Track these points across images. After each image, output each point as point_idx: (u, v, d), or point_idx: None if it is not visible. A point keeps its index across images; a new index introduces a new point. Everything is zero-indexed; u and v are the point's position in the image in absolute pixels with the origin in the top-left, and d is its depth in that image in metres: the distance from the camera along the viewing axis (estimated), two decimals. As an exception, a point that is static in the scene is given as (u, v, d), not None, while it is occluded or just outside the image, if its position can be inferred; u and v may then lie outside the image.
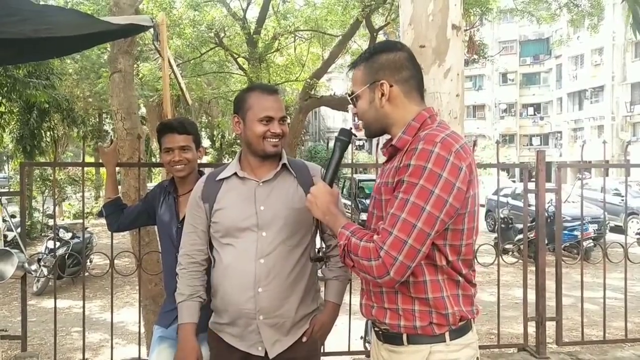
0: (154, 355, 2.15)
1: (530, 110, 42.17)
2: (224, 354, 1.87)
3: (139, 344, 2.91)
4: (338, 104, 13.79)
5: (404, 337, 1.43)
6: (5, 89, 11.37)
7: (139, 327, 3.02)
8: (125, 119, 3.61)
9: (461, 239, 1.40)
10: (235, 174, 1.87)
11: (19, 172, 2.65)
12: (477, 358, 1.50)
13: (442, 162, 1.30)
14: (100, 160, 2.66)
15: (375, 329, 1.55)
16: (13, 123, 13.51)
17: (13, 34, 2.04)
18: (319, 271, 2.03)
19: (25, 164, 3.11)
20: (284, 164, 1.88)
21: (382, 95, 1.46)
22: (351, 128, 1.64)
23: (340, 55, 14.25)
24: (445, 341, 1.41)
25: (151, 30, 2.54)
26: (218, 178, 1.89)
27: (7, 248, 2.06)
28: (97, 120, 18.64)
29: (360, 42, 15.24)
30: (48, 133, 14.44)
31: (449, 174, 1.30)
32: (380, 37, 14.20)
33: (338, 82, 30.10)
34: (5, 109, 12.83)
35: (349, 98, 1.57)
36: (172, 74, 3.15)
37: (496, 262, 3.05)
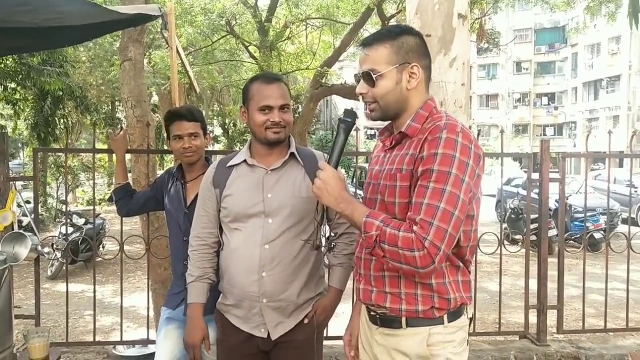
0: (162, 335, 2.22)
1: (545, 99, 41.68)
2: (230, 334, 1.93)
3: (147, 326, 2.99)
4: (349, 92, 13.74)
5: (403, 320, 1.46)
6: (20, 76, 11.54)
7: (147, 309, 3.11)
8: (136, 106, 3.67)
9: (472, 225, 1.45)
10: (245, 161, 1.92)
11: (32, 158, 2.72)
12: (467, 340, 1.55)
13: (467, 150, 1.34)
14: (111, 147, 2.72)
15: (372, 313, 1.56)
16: (28, 110, 13.70)
17: (25, 24, 2.09)
18: (324, 257, 2.08)
19: (37, 149, 3.18)
20: (292, 153, 1.92)
21: (411, 77, 1.45)
22: (352, 109, 1.59)
23: (352, 44, 14.17)
24: (443, 323, 1.45)
25: (159, 19, 2.58)
26: (228, 164, 1.95)
27: (21, 231, 2.14)
28: (110, 107, 18.80)
29: (371, 30, 15.14)
30: (62, 120, 14.60)
31: (473, 162, 1.35)
32: (392, 25, 14.07)
33: (349, 71, 29.95)
34: (20, 96, 13.02)
35: (365, 75, 1.48)
36: (180, 63, 3.19)
37: (503, 251, 3.08)
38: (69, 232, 7.94)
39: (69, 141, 15.79)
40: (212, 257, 2.00)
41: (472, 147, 1.35)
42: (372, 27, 14.77)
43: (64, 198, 12.56)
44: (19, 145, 21.42)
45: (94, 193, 3.08)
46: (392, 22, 13.13)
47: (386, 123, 1.61)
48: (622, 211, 11.85)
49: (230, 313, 1.93)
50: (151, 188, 2.61)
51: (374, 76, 1.46)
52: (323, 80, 12.41)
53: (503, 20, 27.08)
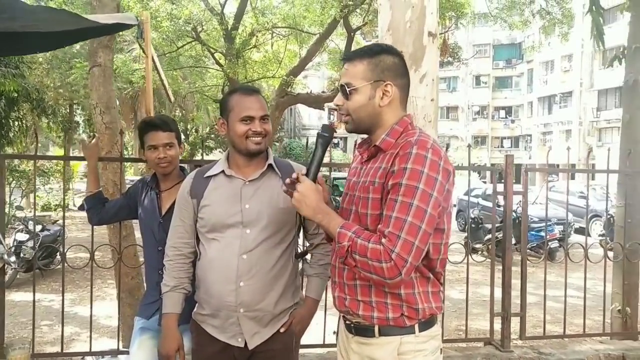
0: (136, 346, 2.19)
1: (502, 113, 43.14)
2: (206, 344, 1.94)
3: (118, 336, 2.94)
4: (314, 101, 13.88)
5: (376, 329, 1.51)
6: (-27, 76, 11.06)
7: (119, 319, 3.05)
8: (105, 112, 3.62)
9: (442, 238, 1.51)
10: (223, 172, 1.93)
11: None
12: (441, 349, 1.60)
13: (436, 166, 1.40)
14: (82, 154, 2.68)
15: (347, 322, 1.62)
16: (-20, 112, 13.12)
17: (1, 29, 2.06)
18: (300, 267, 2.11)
19: (4, 155, 3.09)
20: (270, 165, 1.94)
21: (384, 95, 1.51)
22: (331, 124, 1.65)
23: (317, 54, 14.32)
24: (414, 332, 1.50)
25: (135, 28, 2.57)
26: (206, 175, 1.96)
27: (-15, 240, 2.08)
28: (68, 111, 18.24)
29: (337, 41, 15.33)
30: (16, 123, 14.06)
31: (442, 177, 1.41)
32: (358, 37, 14.34)
33: (314, 80, 30.15)
34: (-28, 97, 12.45)
35: (342, 88, 1.55)
36: (155, 70, 3.17)
37: (465, 260, 3.19)
38: (24, 239, 7.66)
39: (24, 144, 15.25)
40: (188, 267, 2.00)
41: (441, 163, 1.41)
42: (337, 38, 14.97)
43: (17, 204, 12.10)
44: (-32, 147, 20.48)
45: (64, 200, 3.00)
46: (358, 34, 13.38)
47: (364, 136, 1.67)
48: (575, 222, 12.37)
49: (206, 323, 1.93)
50: (124, 197, 2.58)
51: (348, 90, 1.53)
52: (288, 89, 12.47)
53: (463, 36, 27.94)
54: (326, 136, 1.59)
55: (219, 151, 23.34)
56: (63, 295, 2.95)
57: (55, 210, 15.33)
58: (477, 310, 6.18)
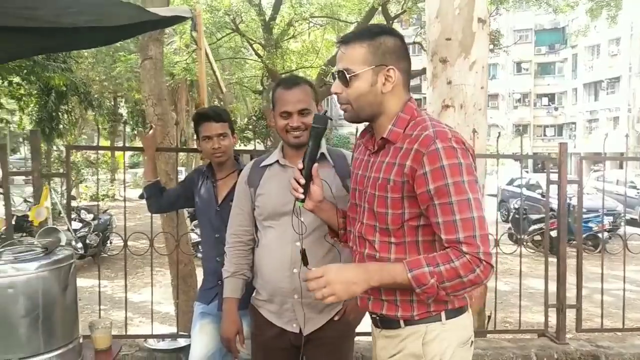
0: (197, 329, 2.28)
1: (545, 100, 41.77)
2: (263, 329, 1.99)
3: (178, 320, 3.05)
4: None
5: (401, 321, 1.45)
6: (25, 71, 11.52)
7: (177, 304, 3.17)
8: (156, 104, 3.72)
9: None
10: (277, 161, 1.98)
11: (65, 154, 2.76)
12: (472, 341, 1.53)
13: (465, 153, 1.34)
14: (141, 145, 2.78)
15: (373, 315, 1.55)
16: (32, 105, 13.69)
17: (66, 24, 2.14)
18: None
19: (70, 146, 3.25)
20: (322, 154, 1.95)
21: (387, 80, 1.40)
22: (325, 113, 1.54)
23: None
24: (441, 320, 1.43)
25: (189, 20, 2.63)
26: (262, 164, 2.02)
27: (55, 226, 2.19)
28: (112, 103, 18.81)
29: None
30: (65, 116, 14.61)
31: (471, 159, 1.37)
32: (396, 25, 14.16)
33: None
34: (25, 91, 13.00)
35: (340, 74, 1.42)
36: (208, 62, 3.24)
37: (509, 250, 3.14)
38: (77, 227, 7.98)
39: (73, 136, 15.84)
40: (248, 254, 2.05)
41: (466, 147, 1.36)
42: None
43: (70, 193, 12.61)
44: (20, 140, 21.40)
45: (124, 189, 3.13)
46: (397, 21, 13.21)
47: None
48: (626, 212, 11.91)
49: (263, 308, 1.99)
50: (181, 186, 2.66)
51: (347, 76, 1.39)
52: (326, 79, 12.47)
53: (504, 21, 27.15)
54: (318, 127, 1.50)
55: (257, 142, 23.61)
56: (126, 281, 3.11)
57: (103, 199, 15.88)
58: (524, 302, 6.09)
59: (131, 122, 18.37)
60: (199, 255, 4.75)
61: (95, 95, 15.26)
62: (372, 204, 1.43)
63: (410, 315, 1.42)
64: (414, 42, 14.51)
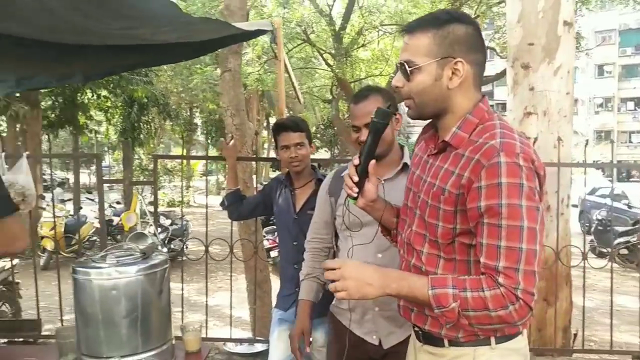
0: (275, 336, 2.32)
1: (630, 104, 39.04)
2: (342, 337, 1.96)
3: (254, 326, 3.13)
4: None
5: (445, 339, 1.31)
6: (112, 85, 12.38)
7: (254, 310, 3.25)
8: (235, 115, 3.86)
9: None
10: None
11: (152, 162, 2.92)
12: None
13: (532, 174, 1.18)
14: (222, 154, 2.89)
15: (415, 328, 1.43)
16: (117, 116, 14.65)
17: (159, 41, 2.28)
18: None
19: (156, 156, 3.45)
20: (406, 163, 1.94)
21: (454, 74, 1.24)
22: (388, 107, 1.41)
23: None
24: (490, 344, 1.28)
25: (269, 33, 2.71)
26: (342, 174, 2.01)
27: (144, 232, 2.32)
28: (188, 113, 19.70)
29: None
30: (145, 126, 15.51)
31: (537, 184, 1.19)
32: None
33: (420, 76, 29.42)
34: (111, 103, 13.95)
35: (401, 67, 1.27)
36: (286, 74, 3.33)
37: (592, 265, 2.94)
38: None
39: (152, 145, 16.77)
40: (323, 259, 2.07)
41: (535, 166, 1.18)
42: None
43: (150, 200, 13.37)
44: (105, 149, 22.91)
45: (207, 194, 3.26)
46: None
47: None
48: None
49: (344, 316, 1.97)
50: (260, 194, 2.73)
51: (409, 69, 1.25)
52: (396, 87, 12.36)
53: (585, 23, 25.73)
54: (379, 122, 1.35)
55: (324, 150, 23.81)
56: (207, 285, 3.21)
57: (178, 205, 16.62)
58: (609, 320, 5.70)
59: (205, 132, 19.12)
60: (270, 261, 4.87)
61: (173, 106, 16.08)
62: (424, 212, 1.31)
63: (455, 335, 1.29)
64: (487, 48, 14.12)
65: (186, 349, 1.42)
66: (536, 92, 3.09)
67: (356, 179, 1.37)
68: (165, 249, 2.61)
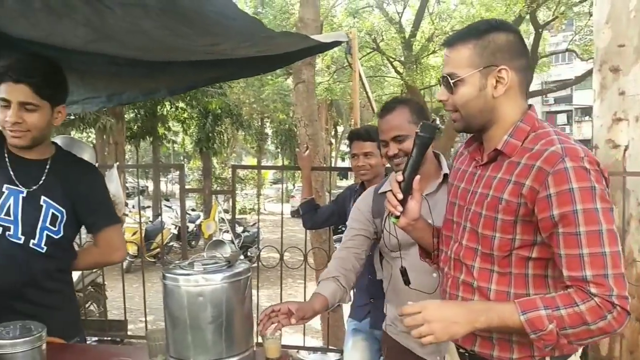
0: (350, 345, 2.33)
1: None
2: (399, 357, 1.88)
3: (327, 335, 3.14)
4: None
5: None
6: (188, 97, 13.01)
7: (327, 318, 3.27)
8: (308, 125, 3.93)
9: None
10: None
11: (230, 172, 3.02)
12: None
13: (599, 177, 1.15)
14: (298, 164, 2.95)
15: (460, 350, 1.37)
16: (192, 127, 15.35)
17: (239, 55, 2.36)
18: None
19: (235, 166, 3.57)
20: (446, 174, 1.77)
21: (498, 83, 1.22)
22: (433, 122, 1.37)
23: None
24: None
25: (344, 44, 2.74)
26: (380, 191, 1.89)
27: (222, 239, 2.39)
28: (260, 124, 20.27)
29: (521, 39, 14.35)
30: (219, 136, 16.13)
31: (604, 186, 1.16)
32: (545, 34, 13.22)
33: (492, 82, 28.52)
34: (187, 114, 14.65)
35: (444, 80, 1.27)
36: (361, 84, 3.34)
37: None
38: (229, 239, 8.70)
39: (225, 155, 17.41)
40: (351, 267, 1.85)
41: (600, 169, 1.16)
42: (523, 36, 14.01)
43: (225, 207, 13.89)
44: (180, 158, 24.03)
45: (282, 201, 3.34)
46: (545, 30, 12.34)
47: None
48: None
49: (402, 335, 1.86)
50: (334, 203, 2.76)
51: (452, 81, 1.24)
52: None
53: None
54: (424, 137, 1.31)
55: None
56: (281, 292, 3.26)
57: (249, 213, 17.11)
58: None
59: (275, 141, 19.58)
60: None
61: (245, 117, 16.62)
62: (476, 224, 1.26)
63: (508, 357, 1.24)
64: (567, 50, 13.43)
65: (267, 356, 1.45)
66: (627, 97, 2.89)
67: (401, 196, 1.32)
68: (241, 257, 2.69)
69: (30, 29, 2.12)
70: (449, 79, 1.25)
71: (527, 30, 13.12)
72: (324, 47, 2.54)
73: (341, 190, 2.86)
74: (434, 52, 12.90)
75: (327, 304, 1.70)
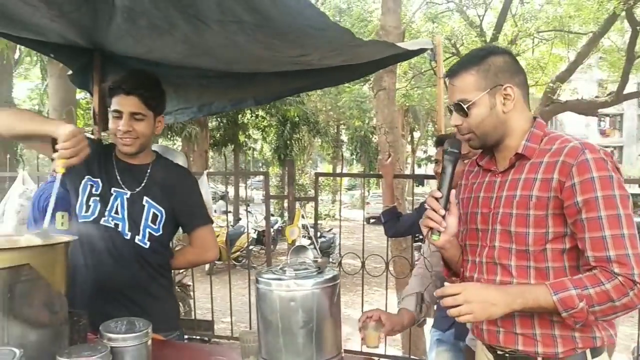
0: (433, 356, 2.29)
1: None
2: None
3: (410, 344, 3.10)
4: (587, 108, 12.33)
5: (540, 358, 1.33)
6: (268, 106, 13.41)
7: (410, 330, 3.22)
8: (388, 132, 3.91)
9: None
10: None
11: (314, 180, 3.07)
12: None
13: (615, 167, 1.28)
14: (380, 172, 2.94)
15: (499, 352, 1.41)
16: (271, 135, 15.79)
17: (325, 65, 2.41)
18: None
19: (318, 174, 3.65)
20: None
21: (506, 99, 1.37)
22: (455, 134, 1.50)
23: (590, 55, 12.75)
24: (586, 359, 1.32)
25: (428, 51, 2.70)
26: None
27: (304, 245, 2.43)
28: (336, 131, 20.44)
29: (614, 39, 13.41)
30: (296, 143, 16.46)
31: (619, 176, 1.28)
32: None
33: (581, 84, 26.91)
34: (267, 122, 15.09)
35: (456, 107, 1.39)
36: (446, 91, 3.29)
37: None
38: (305, 244, 8.82)
39: (302, 162, 17.72)
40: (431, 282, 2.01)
41: (614, 161, 1.29)
42: (615, 34, 13.09)
43: (317, 215, 14.13)
44: (259, 165, 24.75)
45: (363, 208, 3.35)
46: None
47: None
48: None
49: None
50: (417, 212, 2.73)
51: (464, 106, 1.37)
52: (554, 97, 11.43)
53: None
54: (455, 152, 1.42)
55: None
56: (363, 299, 3.27)
57: (325, 219, 17.25)
58: None
59: (350, 148, 19.65)
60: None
61: (322, 124, 16.84)
62: (508, 224, 1.36)
63: (553, 352, 1.31)
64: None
65: (367, 344, 1.49)
66: None
67: (443, 212, 1.38)
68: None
69: (135, 46, 2.30)
70: (462, 104, 1.37)
71: (622, 29, 12.27)
72: (409, 54, 2.52)
73: (422, 199, 2.84)
74: (517, 55, 12.39)
75: (414, 319, 1.82)
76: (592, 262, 1.24)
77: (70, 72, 2.91)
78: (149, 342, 1.38)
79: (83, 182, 1.84)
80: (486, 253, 1.42)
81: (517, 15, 12.61)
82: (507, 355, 1.39)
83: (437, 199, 1.39)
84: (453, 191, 1.40)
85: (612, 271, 1.21)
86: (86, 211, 1.82)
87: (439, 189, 1.40)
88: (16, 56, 9.38)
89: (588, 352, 1.32)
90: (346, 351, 2.44)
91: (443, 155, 1.45)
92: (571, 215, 1.27)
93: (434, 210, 1.38)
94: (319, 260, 1.62)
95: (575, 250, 1.31)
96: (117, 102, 1.79)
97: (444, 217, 1.38)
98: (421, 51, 2.55)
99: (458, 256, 1.53)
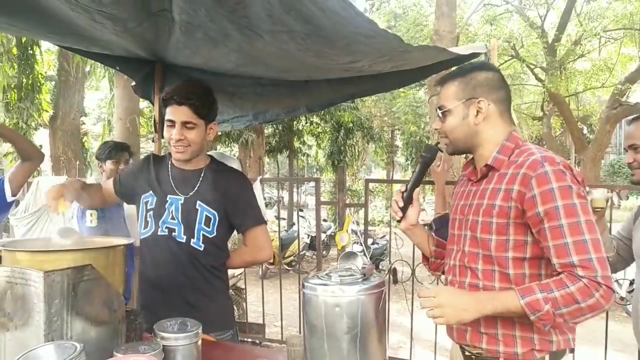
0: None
1: None
2: None
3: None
4: (659, 111, 11.66)
5: (501, 358, 1.42)
6: (322, 112, 13.51)
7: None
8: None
9: None
10: None
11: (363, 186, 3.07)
12: None
13: (574, 179, 1.34)
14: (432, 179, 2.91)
15: (466, 353, 1.52)
16: (325, 141, 15.88)
17: (375, 71, 2.42)
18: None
19: (368, 180, 3.66)
20: None
21: (478, 112, 1.46)
22: (437, 144, 1.62)
23: (664, 54, 11.98)
24: None
25: (482, 55, 2.64)
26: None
27: (354, 251, 2.43)
28: (390, 136, 20.27)
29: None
30: (350, 149, 16.45)
31: (579, 187, 1.34)
32: None
33: (654, 86, 25.26)
34: (321, 129, 15.20)
35: (436, 112, 1.54)
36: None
37: None
38: (358, 250, 8.80)
39: (355, 167, 17.69)
40: None
41: (574, 174, 1.35)
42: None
43: (367, 221, 14.11)
44: (313, 171, 24.94)
45: (389, 219, 3.31)
46: None
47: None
48: None
49: None
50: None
51: (441, 112, 1.50)
52: (623, 99, 10.82)
53: None
54: (426, 157, 1.60)
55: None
56: (412, 307, 3.22)
57: (378, 225, 17.14)
58: None
59: (405, 153, 19.43)
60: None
61: (376, 129, 16.76)
62: (475, 231, 1.45)
63: (513, 352, 1.40)
64: None
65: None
66: None
67: (401, 204, 1.60)
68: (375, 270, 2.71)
69: (193, 57, 2.41)
70: (439, 110, 1.51)
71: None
72: (462, 59, 2.48)
73: None
74: (582, 55, 11.84)
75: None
76: (558, 269, 1.30)
77: (133, 82, 3.08)
78: (199, 342, 1.43)
79: (140, 202, 2.00)
80: (459, 257, 1.53)
81: (582, 14, 12.06)
82: (473, 357, 1.50)
83: (402, 192, 1.60)
84: (418, 189, 1.60)
85: (577, 274, 1.27)
86: (145, 227, 1.97)
87: (406, 185, 1.61)
88: (87, 69, 9.98)
89: (547, 356, 1.40)
90: (391, 359, 2.42)
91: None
92: (534, 225, 1.35)
93: (396, 201, 1.61)
94: (366, 266, 1.62)
95: (537, 259, 1.38)
96: (170, 112, 1.88)
97: (403, 208, 1.60)
98: (474, 56, 2.50)
99: (425, 244, 1.74)
